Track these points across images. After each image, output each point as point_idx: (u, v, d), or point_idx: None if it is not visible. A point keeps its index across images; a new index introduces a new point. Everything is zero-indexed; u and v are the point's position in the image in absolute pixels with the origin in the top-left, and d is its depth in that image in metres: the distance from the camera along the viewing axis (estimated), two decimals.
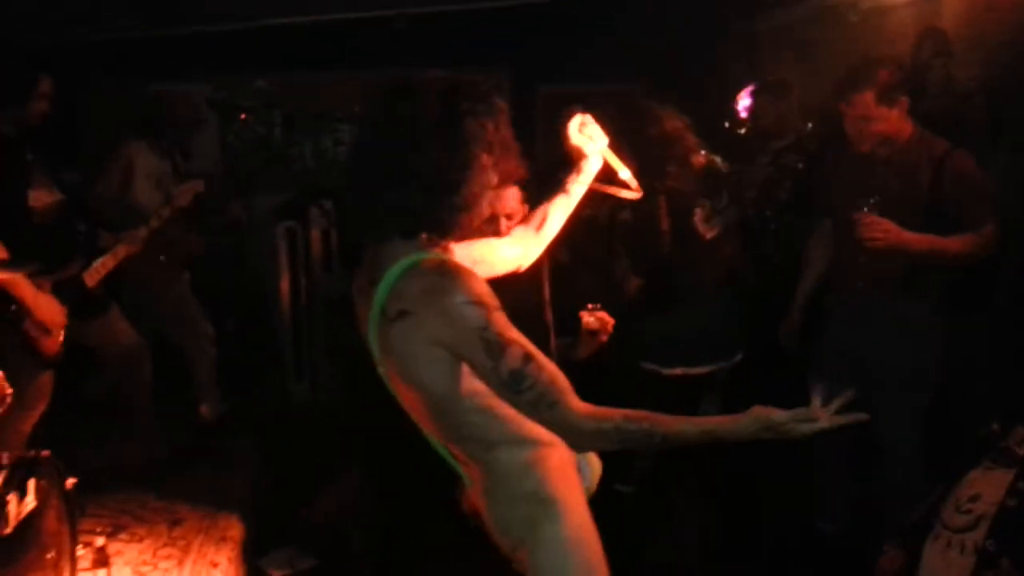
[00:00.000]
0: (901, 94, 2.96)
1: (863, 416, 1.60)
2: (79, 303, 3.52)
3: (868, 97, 2.94)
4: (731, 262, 3.63)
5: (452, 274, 1.56)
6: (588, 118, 2.09)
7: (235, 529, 3.48)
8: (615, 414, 1.57)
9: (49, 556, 2.50)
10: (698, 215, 3.45)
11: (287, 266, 5.46)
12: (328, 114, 7.00)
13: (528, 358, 1.55)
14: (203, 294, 4.73)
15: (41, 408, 3.55)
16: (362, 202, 1.66)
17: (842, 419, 1.58)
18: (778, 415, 1.57)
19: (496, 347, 1.53)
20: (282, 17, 5.57)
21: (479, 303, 1.54)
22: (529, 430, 1.68)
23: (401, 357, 1.61)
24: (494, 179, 1.68)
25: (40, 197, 3.52)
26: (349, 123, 6.88)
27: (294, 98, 6.95)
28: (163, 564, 3.16)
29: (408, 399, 1.72)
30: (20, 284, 3.15)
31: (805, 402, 1.62)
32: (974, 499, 2.18)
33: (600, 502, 1.91)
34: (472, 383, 1.63)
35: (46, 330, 3.29)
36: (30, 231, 3.39)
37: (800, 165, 4.37)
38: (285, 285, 5.45)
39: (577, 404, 1.57)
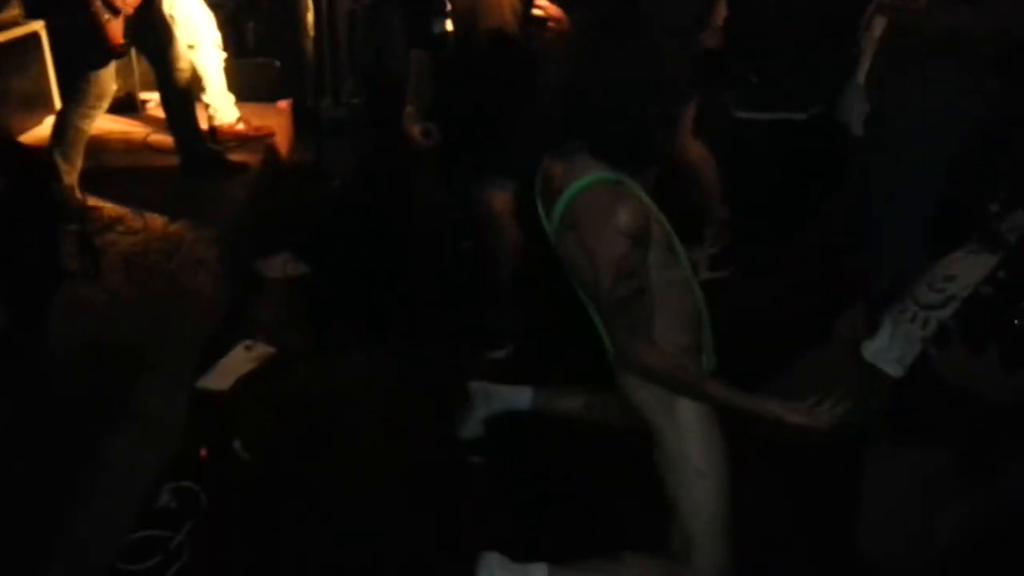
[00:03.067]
0: None
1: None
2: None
3: None
4: None
5: (619, 203, 1.77)
6: None
7: (227, 231, 3.54)
8: (673, 360, 1.85)
9: None
10: None
11: None
12: None
13: (641, 291, 1.80)
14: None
15: (101, 108, 3.52)
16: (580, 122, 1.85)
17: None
18: (792, 418, 1.79)
19: (624, 274, 1.77)
20: None
21: (630, 236, 1.75)
22: (667, 340, 1.88)
23: (567, 261, 1.92)
24: None
25: None
26: None
27: None
28: (153, 256, 3.26)
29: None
30: None
31: None
32: (949, 279, 2.09)
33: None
34: None
35: (115, 10, 3.24)
36: None
37: None
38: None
39: (649, 343, 1.84)
